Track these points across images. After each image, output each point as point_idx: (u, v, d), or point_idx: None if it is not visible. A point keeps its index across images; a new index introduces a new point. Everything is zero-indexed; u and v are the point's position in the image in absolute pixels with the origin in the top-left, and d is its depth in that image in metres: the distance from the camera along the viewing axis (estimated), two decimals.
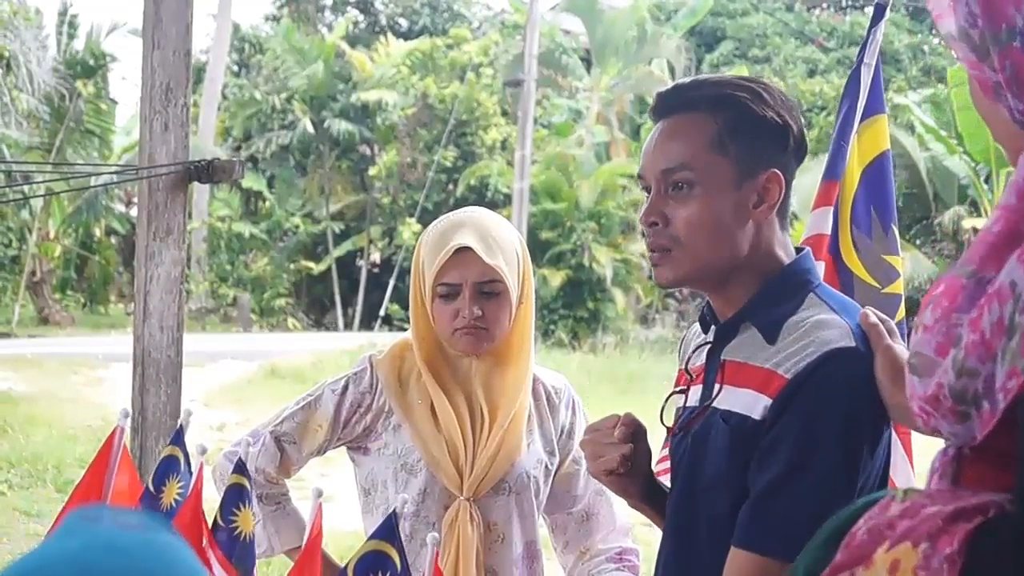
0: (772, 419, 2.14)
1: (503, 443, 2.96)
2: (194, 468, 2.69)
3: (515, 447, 2.99)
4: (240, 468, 2.58)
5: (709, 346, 2.35)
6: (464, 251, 2.88)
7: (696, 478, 2.28)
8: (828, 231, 3.50)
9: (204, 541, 2.55)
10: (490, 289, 2.91)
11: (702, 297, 2.40)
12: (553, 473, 3.10)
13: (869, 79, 3.62)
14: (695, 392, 2.36)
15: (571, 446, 3.12)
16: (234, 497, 2.56)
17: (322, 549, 3.02)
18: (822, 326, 2.16)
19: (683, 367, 2.46)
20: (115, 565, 1.05)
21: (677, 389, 2.41)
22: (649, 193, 2.30)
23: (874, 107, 3.64)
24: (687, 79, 2.41)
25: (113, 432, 2.77)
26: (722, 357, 2.29)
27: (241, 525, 2.55)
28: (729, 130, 2.23)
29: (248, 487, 2.56)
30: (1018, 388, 1.29)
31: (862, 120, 3.60)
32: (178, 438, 2.76)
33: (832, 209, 3.51)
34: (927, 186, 25.25)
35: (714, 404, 2.27)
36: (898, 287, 3.54)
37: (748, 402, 2.19)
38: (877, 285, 3.50)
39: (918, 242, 25.44)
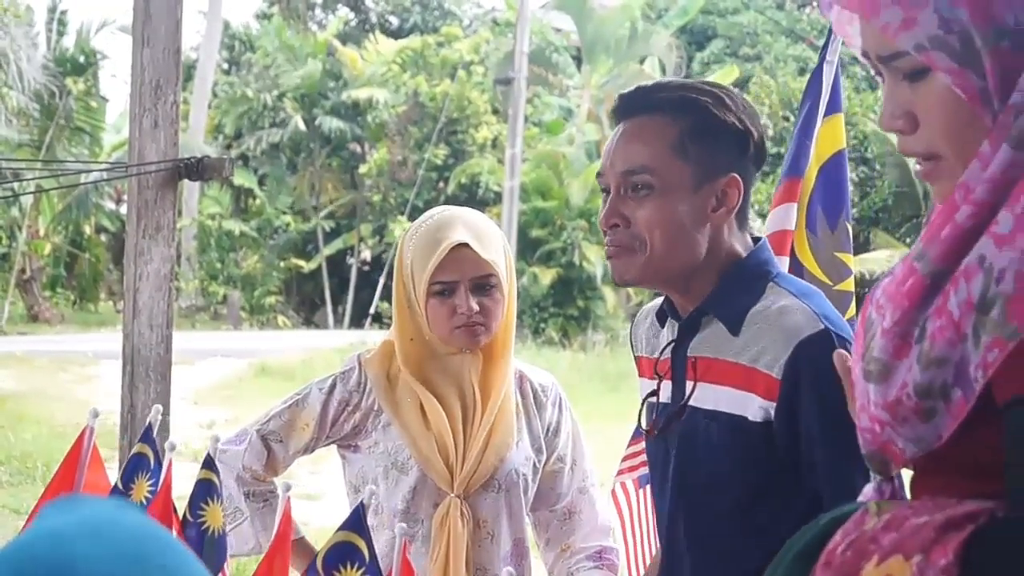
0: (784, 430, 2.17)
1: (491, 437, 2.97)
2: (164, 465, 2.68)
3: (504, 442, 2.99)
4: (208, 463, 2.58)
5: (674, 343, 2.37)
6: (459, 248, 2.88)
7: (690, 478, 2.31)
8: (792, 227, 3.54)
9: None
10: (485, 283, 2.92)
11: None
12: (540, 470, 3.10)
13: (831, 78, 3.67)
14: (666, 389, 2.37)
15: (556, 443, 3.12)
16: (202, 492, 2.55)
17: (308, 543, 3.03)
18: (786, 313, 2.20)
19: (643, 357, 2.50)
20: (115, 533, 1.07)
21: (650, 391, 2.43)
22: (608, 193, 2.33)
23: (833, 106, 3.70)
24: (650, 82, 2.43)
25: (83, 432, 2.76)
26: (689, 354, 2.32)
27: (209, 520, 2.54)
28: (690, 134, 2.26)
29: (216, 482, 2.55)
30: (1001, 359, 1.27)
31: (822, 119, 3.66)
32: (147, 436, 2.75)
33: (795, 205, 3.55)
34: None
35: (692, 403, 2.29)
36: (849, 285, 3.61)
37: (734, 401, 2.22)
38: (829, 282, 3.55)
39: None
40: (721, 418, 2.23)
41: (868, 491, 1.48)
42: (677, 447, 2.32)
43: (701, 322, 2.31)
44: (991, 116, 1.39)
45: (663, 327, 2.43)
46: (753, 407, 2.19)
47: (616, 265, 2.33)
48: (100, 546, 1.05)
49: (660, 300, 2.47)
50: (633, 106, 2.32)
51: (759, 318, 2.22)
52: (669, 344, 2.38)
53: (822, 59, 3.71)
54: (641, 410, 2.47)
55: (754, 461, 2.21)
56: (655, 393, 2.40)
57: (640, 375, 2.53)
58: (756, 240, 2.38)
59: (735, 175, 2.28)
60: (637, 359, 2.55)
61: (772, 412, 2.18)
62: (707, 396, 2.27)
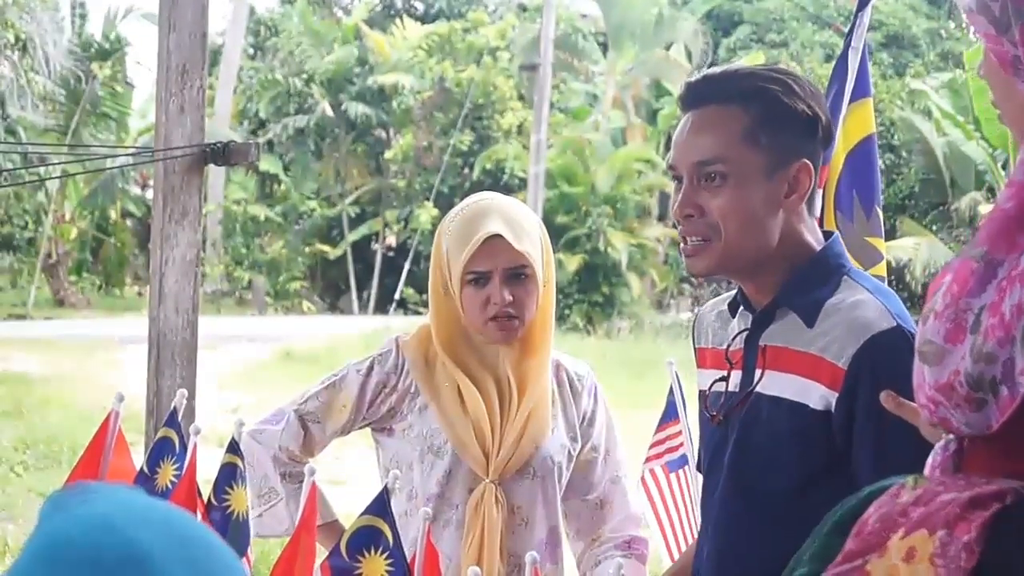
0: (842, 420, 2.20)
1: (528, 425, 2.98)
2: (189, 449, 2.68)
3: (540, 430, 3.00)
4: (233, 448, 2.58)
5: (747, 332, 2.39)
6: (493, 238, 2.90)
7: (747, 463, 2.34)
8: (817, 214, 3.55)
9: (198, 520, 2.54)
10: (519, 272, 2.93)
11: (718, 284, 2.43)
12: (575, 459, 3.11)
13: (857, 63, 3.69)
14: (735, 378, 2.40)
15: (591, 433, 3.13)
16: (227, 476, 2.56)
17: (341, 526, 3.02)
18: (859, 307, 2.23)
19: (711, 348, 2.52)
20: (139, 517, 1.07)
21: (717, 378, 2.45)
22: (679, 183, 2.35)
23: (861, 91, 3.71)
24: (717, 69, 2.45)
25: (108, 416, 2.76)
26: (761, 343, 2.35)
27: (234, 504, 2.55)
28: (761, 122, 2.28)
29: (241, 466, 2.56)
30: None
31: (848, 104, 3.67)
32: (172, 420, 2.75)
33: (820, 191, 3.57)
34: (944, 172, 25.17)
35: (757, 390, 2.32)
36: (881, 269, 3.64)
37: (798, 388, 2.26)
38: (861, 267, 3.56)
39: (934, 228, 25.37)
40: (783, 404, 2.27)
41: (937, 446, 1.49)
42: (737, 432, 2.35)
43: (776, 313, 2.34)
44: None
45: (733, 317, 2.46)
46: (815, 396, 2.23)
47: (691, 258, 2.36)
48: (155, 531, 1.05)
49: (728, 294, 2.51)
50: (702, 95, 2.35)
51: (833, 311, 2.26)
52: (742, 332, 2.40)
53: (847, 45, 3.73)
54: (701, 399, 2.49)
55: (810, 450, 2.24)
56: (724, 380, 2.42)
57: (700, 366, 2.55)
58: (828, 234, 2.41)
59: (806, 161, 2.31)
60: (699, 351, 2.58)
61: (833, 402, 2.21)
62: (773, 383, 2.30)
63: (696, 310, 2.71)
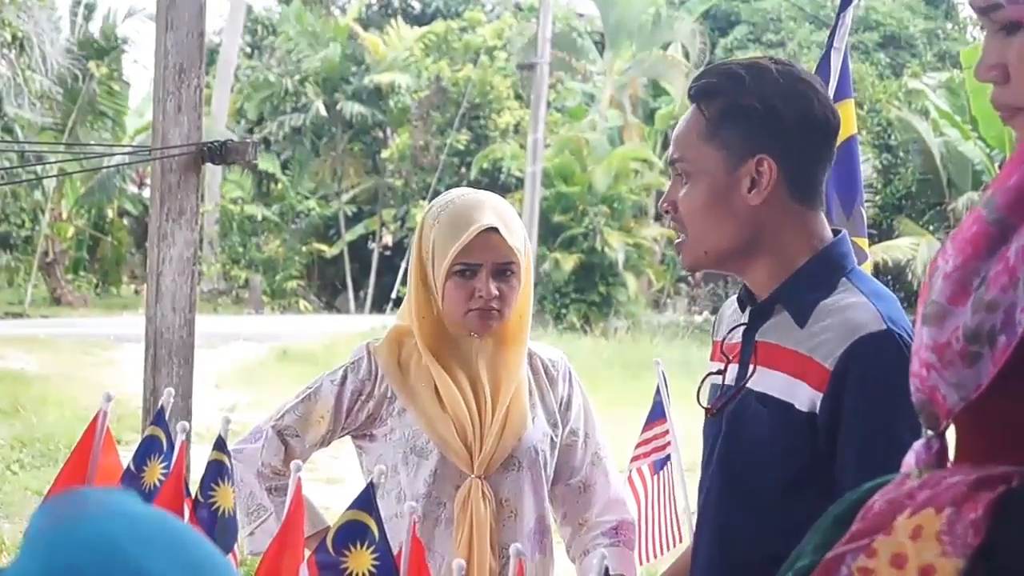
0: (827, 421, 2.19)
1: (508, 418, 2.99)
2: (176, 447, 2.69)
3: (521, 421, 3.01)
4: (220, 445, 2.59)
5: (745, 326, 2.40)
6: (487, 231, 2.91)
7: (732, 458, 2.35)
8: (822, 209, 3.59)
9: (186, 518, 2.55)
10: (506, 269, 2.94)
11: (715, 284, 2.44)
12: (558, 445, 3.13)
13: (839, 64, 3.70)
14: (732, 371, 2.41)
15: (569, 417, 3.15)
16: (213, 473, 2.56)
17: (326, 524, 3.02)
18: (851, 309, 2.22)
19: (719, 341, 2.53)
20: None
21: (714, 370, 2.46)
22: None
23: (842, 92, 3.72)
24: (711, 67, 2.46)
25: (96, 416, 2.77)
26: (756, 338, 2.35)
27: (220, 501, 2.55)
28: (716, 120, 2.31)
29: (227, 464, 2.57)
30: None
31: None
32: (160, 419, 2.76)
33: None
34: (941, 172, 25.18)
35: (748, 385, 2.33)
36: (867, 268, 3.64)
37: (784, 387, 2.25)
38: None
39: (931, 228, 25.36)
40: (770, 403, 2.26)
41: (918, 446, 1.47)
42: (726, 426, 2.36)
43: (773, 310, 2.34)
44: None
45: (743, 312, 2.46)
46: (802, 396, 2.22)
47: (678, 248, 2.42)
48: (163, 554, 1.04)
49: None
50: (689, 92, 2.39)
51: (826, 312, 2.24)
52: (737, 327, 2.42)
53: (829, 45, 3.76)
54: (700, 387, 2.49)
55: (795, 450, 2.23)
56: (721, 373, 2.43)
57: (711, 359, 2.56)
58: (836, 232, 2.40)
59: (764, 156, 2.28)
60: (714, 344, 2.58)
61: (819, 403, 2.20)
62: (763, 380, 2.30)
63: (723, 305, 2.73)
